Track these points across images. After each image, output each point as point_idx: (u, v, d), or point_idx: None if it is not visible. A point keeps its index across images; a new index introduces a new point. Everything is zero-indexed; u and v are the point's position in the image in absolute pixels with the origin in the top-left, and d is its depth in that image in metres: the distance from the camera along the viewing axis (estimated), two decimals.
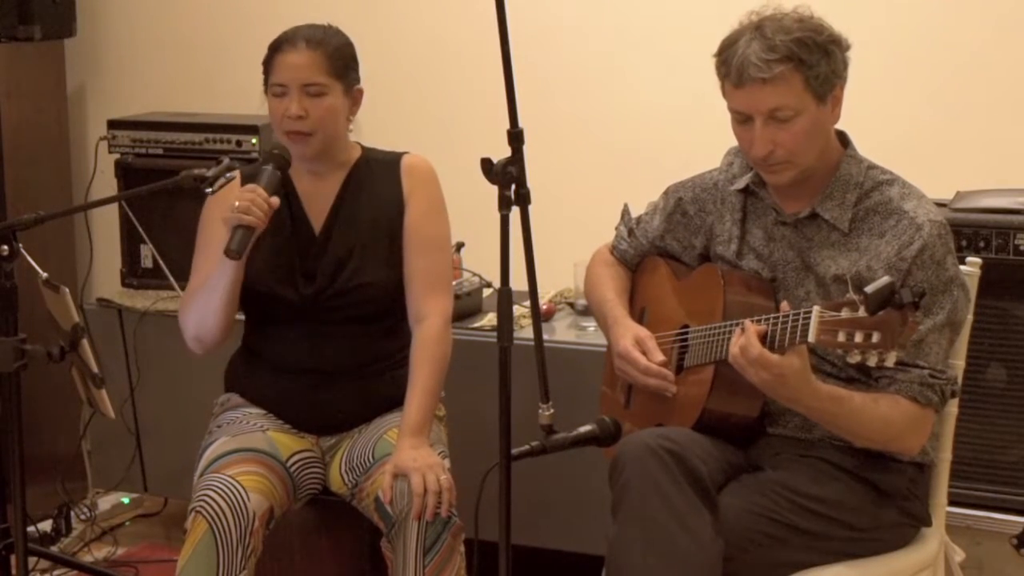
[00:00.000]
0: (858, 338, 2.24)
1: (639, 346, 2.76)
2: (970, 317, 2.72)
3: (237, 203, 2.78)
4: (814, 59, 2.52)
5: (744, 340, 2.41)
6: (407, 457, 2.83)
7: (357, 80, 3.03)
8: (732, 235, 2.76)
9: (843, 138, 2.69)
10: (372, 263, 3.02)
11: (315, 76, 2.93)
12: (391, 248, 3.03)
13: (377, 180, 3.06)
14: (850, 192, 2.62)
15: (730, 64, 2.55)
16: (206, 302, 2.95)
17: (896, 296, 2.20)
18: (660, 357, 2.73)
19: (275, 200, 2.84)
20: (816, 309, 2.30)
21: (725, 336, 2.54)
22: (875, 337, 2.22)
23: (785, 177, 2.61)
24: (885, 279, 2.23)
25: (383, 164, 3.08)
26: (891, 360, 2.24)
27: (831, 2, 3.61)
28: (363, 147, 3.13)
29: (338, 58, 2.96)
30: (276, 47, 2.97)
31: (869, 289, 2.21)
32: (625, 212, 3.04)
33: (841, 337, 2.25)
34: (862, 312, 2.22)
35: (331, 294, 3.00)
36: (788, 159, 2.58)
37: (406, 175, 3.06)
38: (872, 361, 2.24)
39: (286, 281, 3.01)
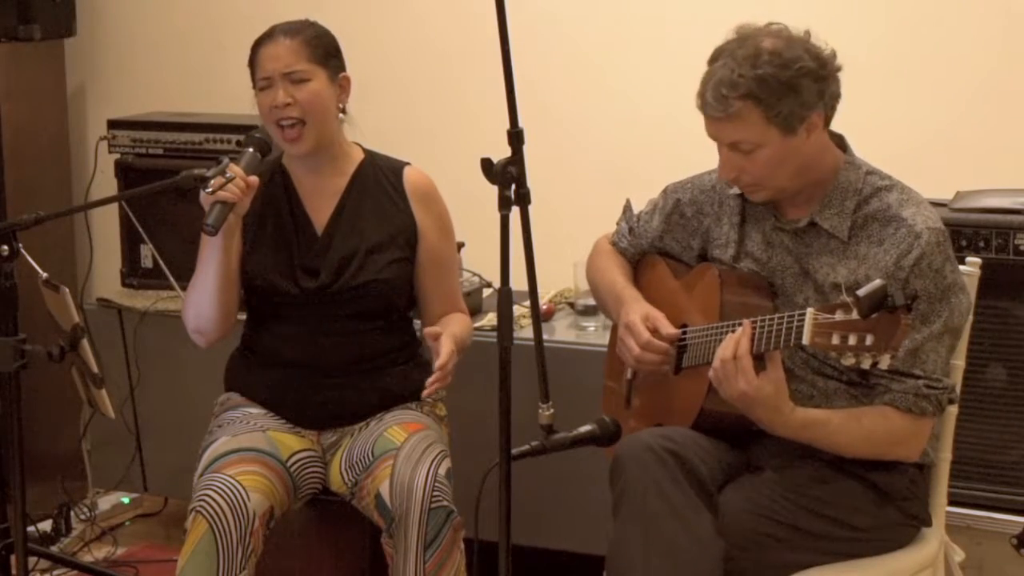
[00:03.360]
0: (852, 340, 2.24)
1: (647, 322, 2.75)
2: (970, 317, 2.72)
3: (213, 181, 2.80)
4: (773, 99, 2.49)
5: (732, 345, 2.42)
6: (458, 347, 2.92)
7: (341, 68, 3.05)
8: (729, 239, 2.76)
9: (841, 142, 2.68)
10: (377, 263, 3.04)
11: (296, 63, 2.96)
12: (396, 251, 3.06)
13: (383, 186, 3.10)
14: (848, 199, 2.61)
15: (701, 88, 2.55)
16: (200, 291, 2.99)
17: (888, 299, 2.20)
18: (671, 330, 2.71)
19: (253, 179, 2.88)
20: (810, 311, 2.30)
21: (723, 337, 2.54)
22: (868, 340, 2.22)
23: (759, 197, 2.63)
24: (877, 282, 2.22)
25: (388, 171, 3.12)
26: (884, 363, 2.24)
27: (833, 4, 3.62)
28: (364, 149, 3.15)
29: (317, 45, 3.00)
30: (256, 45, 3.02)
31: (861, 292, 2.21)
32: (627, 208, 3.04)
33: (835, 340, 2.26)
34: (855, 315, 2.23)
35: (335, 291, 3.01)
36: (755, 183, 2.59)
37: (411, 193, 3.10)
38: (866, 363, 2.25)
39: (286, 276, 3.02)
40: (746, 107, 2.49)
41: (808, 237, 2.65)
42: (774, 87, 2.48)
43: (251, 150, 2.93)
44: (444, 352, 2.84)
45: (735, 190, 2.76)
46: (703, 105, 2.54)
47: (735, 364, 2.43)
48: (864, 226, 2.60)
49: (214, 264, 2.95)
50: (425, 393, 2.87)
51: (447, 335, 2.89)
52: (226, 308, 3.00)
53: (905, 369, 2.51)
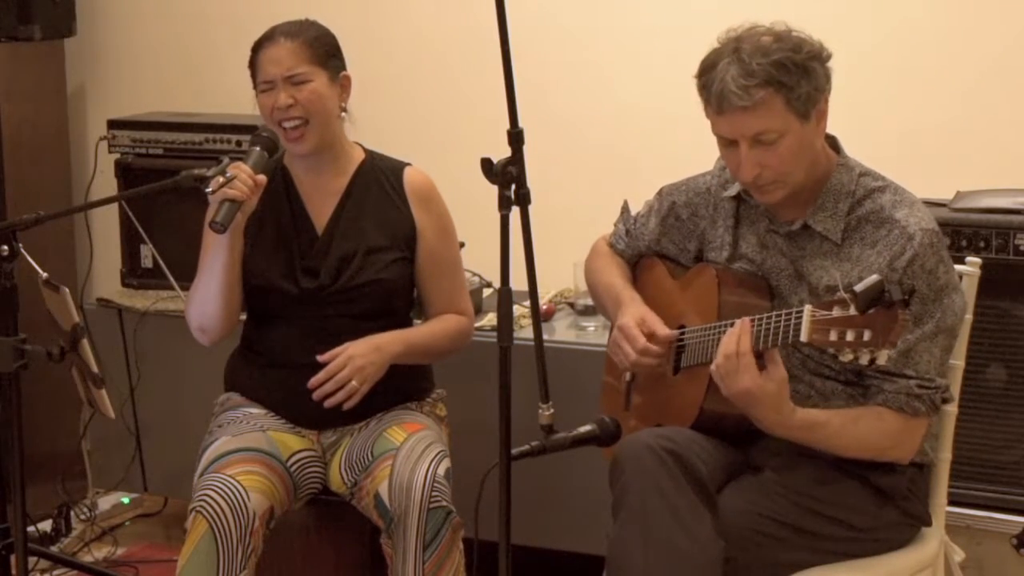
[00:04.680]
0: (850, 336, 2.24)
1: (642, 326, 2.75)
2: (969, 317, 2.72)
3: (213, 180, 2.81)
4: (793, 80, 2.48)
5: (734, 341, 2.42)
6: (361, 350, 2.94)
7: (342, 68, 3.06)
8: (724, 242, 2.76)
9: (834, 144, 2.67)
10: (377, 263, 3.04)
11: (297, 66, 2.96)
12: (396, 252, 3.06)
13: (384, 186, 3.10)
14: (842, 202, 2.61)
15: (710, 91, 2.52)
16: (205, 288, 3.00)
17: (885, 294, 2.20)
18: (666, 331, 2.71)
19: (261, 177, 2.89)
20: (808, 308, 2.30)
21: (721, 336, 2.54)
22: (866, 335, 2.22)
23: (776, 196, 2.60)
24: (874, 277, 2.23)
25: (389, 171, 3.12)
26: (883, 358, 2.24)
27: (833, 4, 3.61)
28: (365, 149, 3.15)
29: (317, 46, 2.99)
30: (257, 47, 3.02)
31: (858, 288, 2.21)
32: (624, 209, 3.04)
33: (833, 336, 2.26)
34: (852, 310, 2.23)
35: (334, 291, 3.01)
36: (776, 179, 2.56)
37: (411, 194, 3.10)
38: (864, 359, 2.25)
39: (286, 276, 3.03)
40: (768, 94, 2.48)
41: (802, 240, 2.64)
42: (792, 70, 2.48)
43: (258, 149, 2.94)
44: (337, 360, 2.92)
45: (730, 192, 2.75)
46: (720, 101, 2.50)
47: (738, 360, 2.42)
48: (857, 228, 2.60)
49: (219, 262, 2.95)
50: (315, 397, 2.92)
51: (348, 351, 2.94)
52: (230, 306, 3.00)
53: (897, 370, 2.50)
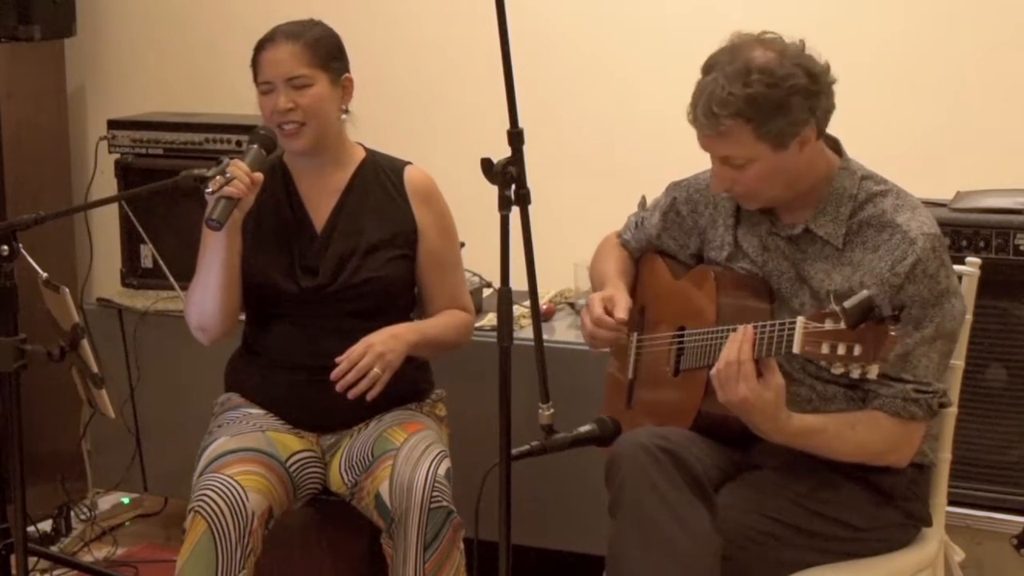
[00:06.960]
0: (840, 350, 2.24)
1: (606, 302, 2.77)
2: (969, 317, 2.72)
3: (213, 180, 2.81)
4: (763, 117, 2.47)
5: (735, 348, 2.42)
6: (381, 338, 2.93)
7: (344, 69, 3.04)
8: (725, 241, 2.76)
9: (836, 146, 2.67)
10: (376, 261, 3.04)
11: (297, 68, 2.95)
12: (395, 250, 3.06)
13: (384, 185, 3.10)
14: (844, 206, 2.60)
15: (692, 102, 2.53)
16: (203, 286, 2.99)
17: (875, 309, 2.20)
18: (622, 315, 2.74)
19: (258, 175, 2.89)
20: (800, 320, 2.31)
21: (720, 341, 2.54)
22: (857, 350, 2.23)
23: (752, 206, 2.63)
24: (864, 293, 2.23)
25: (389, 170, 3.12)
26: (873, 373, 2.25)
27: (834, 4, 3.62)
28: (366, 148, 3.15)
29: (319, 48, 2.98)
30: (259, 47, 3.01)
31: (847, 304, 2.21)
32: (642, 203, 3.06)
33: (825, 348, 2.26)
34: (842, 325, 2.23)
35: (333, 289, 3.01)
36: (748, 194, 2.59)
37: (412, 193, 3.10)
38: (855, 373, 2.25)
39: (285, 275, 3.03)
40: (736, 125, 2.48)
41: (803, 243, 2.64)
42: (763, 106, 2.47)
43: (256, 147, 2.94)
44: (357, 349, 2.91)
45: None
46: (694, 120, 2.53)
47: (739, 368, 2.42)
48: (859, 232, 2.59)
49: (217, 260, 2.95)
50: (339, 388, 2.90)
51: (367, 340, 2.93)
52: (229, 305, 3.00)
53: (895, 374, 2.50)
